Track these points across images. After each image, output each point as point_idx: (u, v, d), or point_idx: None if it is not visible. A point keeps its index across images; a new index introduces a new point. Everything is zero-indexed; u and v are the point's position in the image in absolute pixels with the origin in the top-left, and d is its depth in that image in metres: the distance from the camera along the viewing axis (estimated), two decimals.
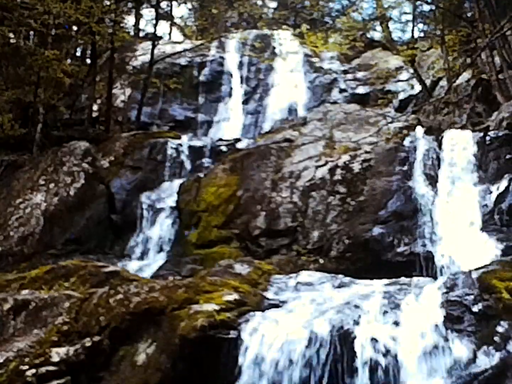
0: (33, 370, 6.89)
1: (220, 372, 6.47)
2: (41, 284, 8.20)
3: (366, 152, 11.06)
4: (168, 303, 7.00)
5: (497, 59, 12.84)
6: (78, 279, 8.14)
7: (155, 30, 16.75)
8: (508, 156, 10.50)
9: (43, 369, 6.89)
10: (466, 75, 13.38)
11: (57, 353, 7.01)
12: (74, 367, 6.94)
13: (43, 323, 7.49)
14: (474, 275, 6.97)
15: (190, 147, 12.71)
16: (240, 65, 17.16)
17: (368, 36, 19.75)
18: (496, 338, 6.21)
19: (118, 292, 7.32)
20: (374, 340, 6.26)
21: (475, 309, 6.50)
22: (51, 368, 6.90)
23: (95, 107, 15.38)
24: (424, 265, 9.46)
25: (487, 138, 10.82)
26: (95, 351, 7.02)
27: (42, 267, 8.80)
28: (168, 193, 11.71)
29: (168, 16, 21.73)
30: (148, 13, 20.47)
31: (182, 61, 17.19)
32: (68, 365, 6.94)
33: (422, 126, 11.87)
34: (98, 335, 7.10)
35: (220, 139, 13.49)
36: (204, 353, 6.57)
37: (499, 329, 6.27)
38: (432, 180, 10.59)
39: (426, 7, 16.79)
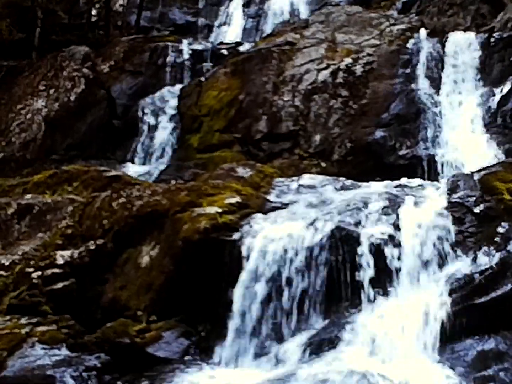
0: (39, 272, 7.00)
1: (223, 274, 6.54)
2: (44, 188, 8.25)
3: (369, 54, 10.93)
4: (171, 206, 7.04)
5: None
6: (81, 184, 8.18)
7: None
8: None
9: (48, 271, 6.99)
10: None
11: (62, 256, 7.09)
12: (78, 270, 7.04)
13: (47, 227, 7.56)
14: (476, 176, 6.98)
15: (191, 51, 12.57)
16: None
17: None
18: (496, 239, 6.26)
19: (120, 196, 7.35)
20: (376, 240, 6.33)
21: (476, 210, 6.54)
22: (56, 270, 7.00)
23: (93, 12, 15.15)
24: (426, 168, 9.46)
25: (492, 40, 10.68)
26: (99, 253, 7.11)
27: (44, 172, 8.84)
28: (169, 97, 11.63)
29: None
30: None
31: None
32: (73, 268, 7.04)
33: (426, 28, 11.68)
34: (101, 238, 7.17)
35: (221, 43, 13.32)
36: (207, 255, 6.63)
37: (500, 229, 6.32)
38: (435, 83, 10.51)
39: None
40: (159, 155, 11.09)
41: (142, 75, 12.19)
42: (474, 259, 6.17)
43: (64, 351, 6.35)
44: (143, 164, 11.02)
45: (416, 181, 7.49)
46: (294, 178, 7.99)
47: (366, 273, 6.23)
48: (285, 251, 6.37)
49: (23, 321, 6.67)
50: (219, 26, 15.79)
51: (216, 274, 6.58)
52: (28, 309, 6.84)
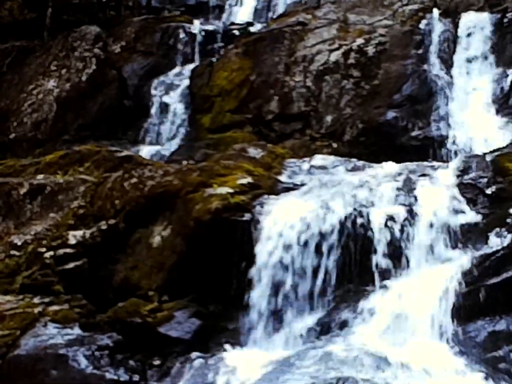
0: (51, 252, 7.03)
1: (234, 254, 6.56)
2: (56, 169, 8.27)
3: (381, 35, 10.87)
4: (183, 187, 7.05)
5: None
6: (92, 164, 8.19)
7: None
8: None
9: (60, 251, 7.03)
10: None
11: (74, 236, 7.12)
12: (91, 250, 7.07)
13: (59, 207, 7.59)
14: (488, 158, 6.97)
15: (202, 31, 12.53)
16: None
17: None
18: (508, 220, 6.26)
19: (132, 176, 7.36)
20: (388, 220, 6.34)
21: (488, 191, 6.53)
22: (68, 250, 7.04)
23: None
24: (438, 149, 9.44)
25: (505, 20, 10.60)
26: (111, 233, 7.13)
27: (56, 153, 8.85)
28: (181, 78, 11.61)
29: None
30: None
31: None
32: (85, 248, 7.07)
33: (439, 8, 11.61)
34: (113, 218, 7.19)
35: (233, 23, 13.26)
36: (219, 236, 6.65)
37: None
38: (448, 64, 10.45)
39: None
40: (171, 135, 11.08)
41: (154, 55, 12.16)
42: (486, 240, 6.17)
43: (77, 330, 6.41)
44: (155, 144, 11.01)
45: (428, 162, 7.48)
46: (305, 158, 7.98)
47: (379, 254, 6.25)
48: (297, 231, 6.39)
49: (35, 300, 6.73)
50: (230, 6, 15.71)
51: (227, 254, 6.60)
52: (40, 289, 6.89)
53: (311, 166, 7.65)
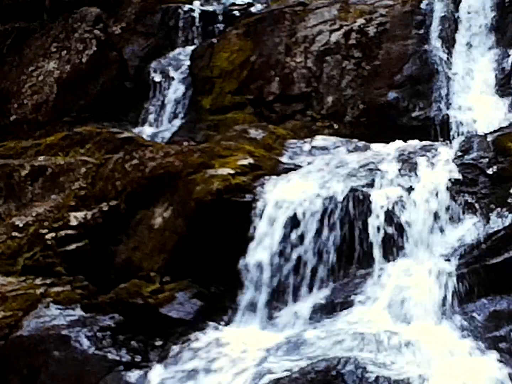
0: (53, 234, 7.04)
1: (235, 235, 6.58)
2: (57, 150, 8.26)
3: (382, 15, 10.82)
4: (184, 168, 7.05)
5: None
6: (93, 146, 8.19)
7: None
8: None
9: (62, 233, 7.03)
10: None
11: (75, 217, 7.13)
12: (92, 231, 7.08)
13: (60, 189, 7.60)
14: (489, 138, 6.95)
15: (202, 12, 12.48)
16: None
17: None
18: (509, 200, 6.26)
19: (133, 157, 7.36)
20: (388, 201, 6.34)
21: (489, 171, 6.52)
22: (70, 231, 7.05)
23: None
24: (439, 130, 9.41)
25: (506, 0, 10.57)
26: (112, 215, 7.14)
27: (57, 134, 8.84)
28: (181, 59, 11.57)
29: None
30: None
31: None
32: (87, 229, 7.08)
33: None
34: (114, 200, 7.20)
35: (233, 4, 13.19)
36: (220, 217, 6.66)
37: None
38: (449, 44, 10.41)
39: None
40: (171, 116, 11.06)
41: (154, 36, 12.12)
42: (487, 221, 6.18)
43: (79, 312, 6.43)
44: (156, 125, 11.00)
45: (429, 143, 7.47)
46: (306, 139, 7.98)
47: (378, 235, 6.25)
48: (297, 212, 6.39)
49: (37, 281, 6.74)
50: None
51: (228, 235, 6.61)
52: (42, 270, 6.90)
53: (312, 147, 7.66)
